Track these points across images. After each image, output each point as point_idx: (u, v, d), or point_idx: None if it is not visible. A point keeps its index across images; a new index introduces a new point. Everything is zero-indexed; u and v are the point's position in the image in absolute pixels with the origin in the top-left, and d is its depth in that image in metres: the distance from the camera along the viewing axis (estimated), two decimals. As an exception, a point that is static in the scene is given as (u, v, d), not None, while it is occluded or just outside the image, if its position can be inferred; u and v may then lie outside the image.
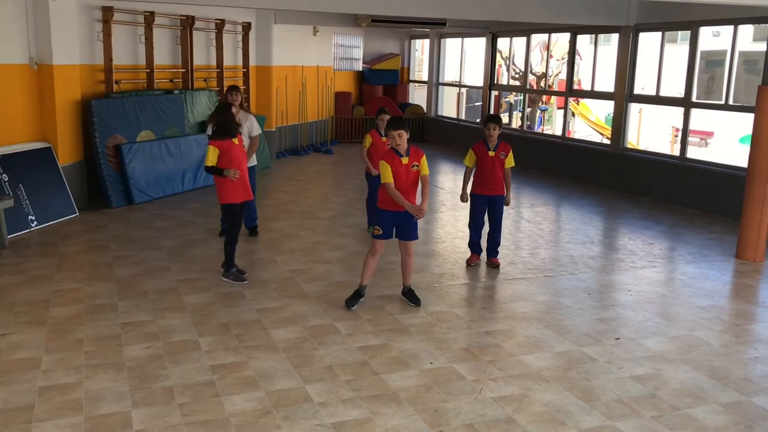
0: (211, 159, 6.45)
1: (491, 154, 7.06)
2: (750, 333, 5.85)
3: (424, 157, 5.96)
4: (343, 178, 12.64)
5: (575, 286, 6.85)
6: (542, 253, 8.04)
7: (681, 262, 7.85)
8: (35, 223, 8.37)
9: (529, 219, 9.80)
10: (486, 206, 7.30)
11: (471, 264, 7.38)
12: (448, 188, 11.87)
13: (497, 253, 7.41)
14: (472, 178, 7.31)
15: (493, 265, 7.34)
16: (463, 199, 7.38)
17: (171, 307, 6.00)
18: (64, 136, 9.13)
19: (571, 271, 7.37)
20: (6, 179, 8.20)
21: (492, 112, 15.86)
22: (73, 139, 9.33)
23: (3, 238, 7.58)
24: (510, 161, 7.19)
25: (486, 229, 7.40)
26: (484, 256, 7.50)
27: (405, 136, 5.83)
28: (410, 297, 6.22)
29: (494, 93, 15.96)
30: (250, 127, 7.94)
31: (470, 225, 7.45)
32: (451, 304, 6.34)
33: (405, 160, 5.84)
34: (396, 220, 5.97)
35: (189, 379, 4.67)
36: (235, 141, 6.60)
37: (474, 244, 7.44)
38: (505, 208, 7.35)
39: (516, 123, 16.69)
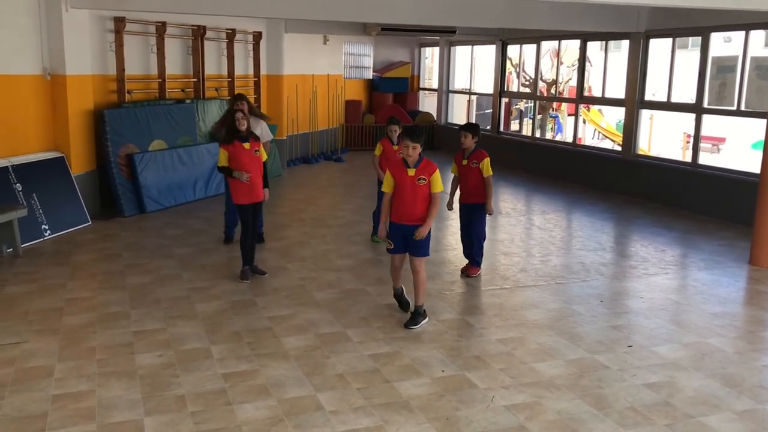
0: (221, 160, 6.89)
1: (464, 162, 7.09)
2: (764, 340, 5.80)
3: (437, 173, 5.69)
4: (353, 186, 12.64)
5: (587, 294, 6.82)
6: (554, 260, 8.01)
7: (693, 269, 7.80)
8: (48, 232, 8.43)
9: (540, 226, 9.77)
10: (462, 213, 7.36)
11: (473, 275, 7.23)
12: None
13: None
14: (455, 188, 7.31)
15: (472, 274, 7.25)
16: (449, 207, 7.51)
17: (183, 315, 6.02)
18: (76, 145, 9.21)
19: (583, 278, 7.34)
20: (20, 189, 8.27)
21: (503, 119, 15.86)
22: (85, 148, 9.41)
23: (17, 247, 7.65)
24: (487, 169, 7.01)
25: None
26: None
27: (418, 149, 5.68)
28: (412, 318, 5.87)
29: (504, 100, 15.96)
30: (260, 133, 8.00)
31: (482, 235, 7.32)
32: (462, 312, 6.33)
33: (411, 172, 5.68)
34: (403, 234, 5.76)
35: (201, 387, 4.68)
36: (246, 146, 6.80)
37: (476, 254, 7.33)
38: (490, 217, 7.34)
39: (527, 130, 16.65)
